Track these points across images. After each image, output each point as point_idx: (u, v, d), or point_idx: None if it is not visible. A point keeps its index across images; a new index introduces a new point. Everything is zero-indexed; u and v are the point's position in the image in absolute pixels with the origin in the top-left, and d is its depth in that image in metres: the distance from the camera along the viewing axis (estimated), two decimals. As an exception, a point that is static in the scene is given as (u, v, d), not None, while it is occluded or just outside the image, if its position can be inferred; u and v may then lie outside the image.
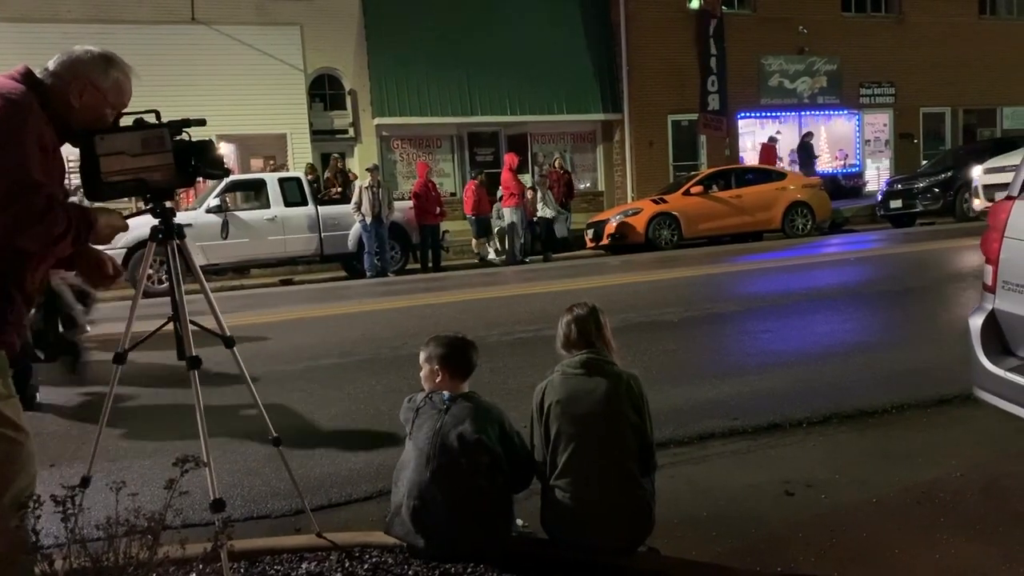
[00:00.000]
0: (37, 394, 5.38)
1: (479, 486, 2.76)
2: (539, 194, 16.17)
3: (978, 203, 13.24)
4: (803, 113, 22.72)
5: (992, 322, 3.23)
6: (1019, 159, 13.92)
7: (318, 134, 19.20)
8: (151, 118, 2.73)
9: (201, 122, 2.80)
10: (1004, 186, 13.59)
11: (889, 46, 22.38)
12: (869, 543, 2.88)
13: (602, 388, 2.76)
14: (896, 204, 17.26)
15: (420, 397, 2.93)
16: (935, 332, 6.05)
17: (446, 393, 2.88)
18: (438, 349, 2.95)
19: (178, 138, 2.75)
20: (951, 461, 3.58)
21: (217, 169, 2.90)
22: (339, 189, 15.73)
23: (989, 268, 3.28)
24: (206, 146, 2.84)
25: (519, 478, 2.89)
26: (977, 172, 13.49)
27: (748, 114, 22.28)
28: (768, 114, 22.56)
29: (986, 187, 12.90)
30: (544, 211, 16.11)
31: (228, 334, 2.97)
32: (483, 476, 2.77)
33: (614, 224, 16.43)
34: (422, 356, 3.01)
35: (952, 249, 10.81)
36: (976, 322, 3.28)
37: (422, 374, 3.01)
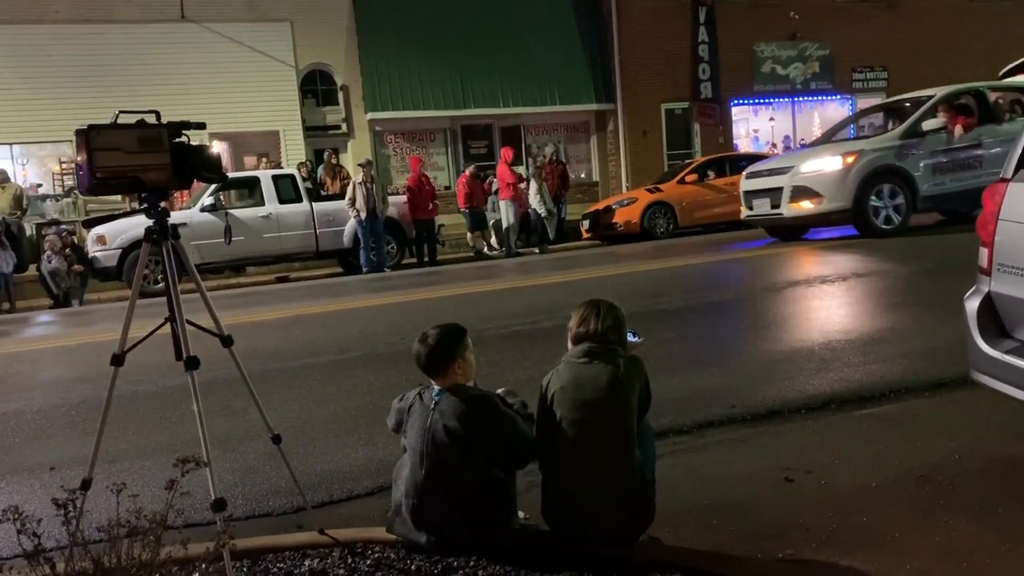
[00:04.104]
0: None
1: (475, 481, 2.75)
2: (533, 186, 16.13)
3: (743, 211, 12.58)
4: (796, 99, 22.72)
5: (988, 304, 3.24)
6: (780, 163, 13.41)
7: (311, 130, 19.16)
8: (151, 119, 2.74)
9: (201, 125, 2.81)
10: (763, 192, 12.91)
11: (881, 30, 22.36)
12: (869, 527, 2.89)
13: (605, 375, 2.76)
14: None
15: (412, 395, 2.91)
16: (931, 315, 6.06)
17: (436, 388, 2.86)
18: (413, 349, 2.90)
19: (177, 140, 2.75)
20: (949, 444, 3.59)
21: (214, 173, 2.89)
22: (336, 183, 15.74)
23: (984, 251, 3.28)
24: (204, 149, 2.84)
25: (518, 455, 2.86)
26: (743, 178, 12.91)
27: (741, 101, 22.27)
28: (761, 101, 22.56)
29: (746, 193, 12.39)
30: (539, 206, 16.07)
31: (225, 333, 2.97)
32: (478, 470, 2.76)
33: (609, 214, 16.45)
34: None
35: (952, 233, 10.80)
36: (972, 305, 3.29)
37: None
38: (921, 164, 11.03)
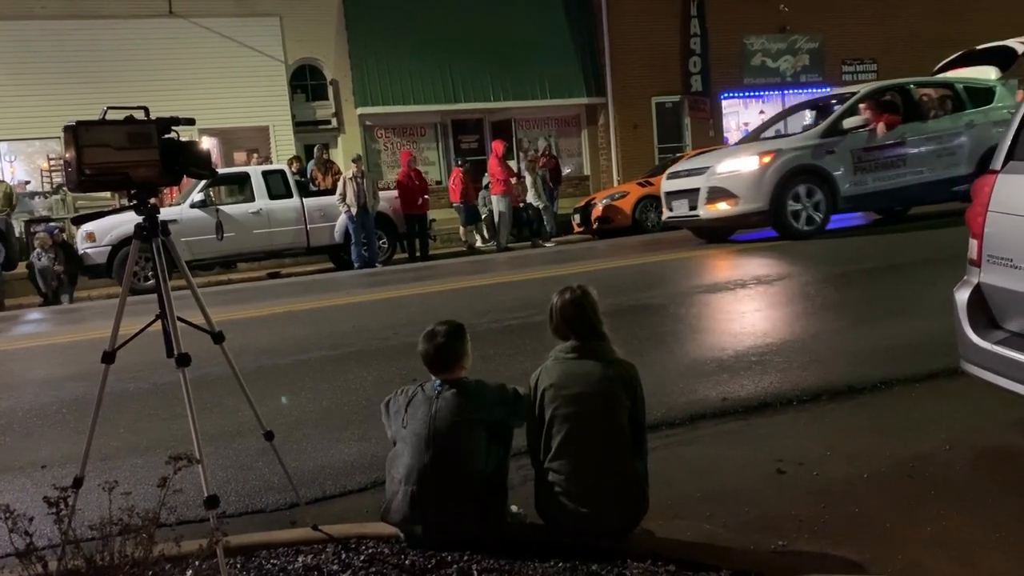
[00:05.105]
0: None
1: (475, 471, 2.78)
2: (529, 180, 16.09)
3: (664, 213, 12.23)
4: (786, 92, 22.75)
5: (978, 296, 3.26)
6: (698, 164, 13.05)
7: (301, 125, 19.09)
8: (140, 115, 2.72)
9: (190, 121, 2.79)
10: (682, 193, 11.17)
11: (871, 22, 22.40)
12: (861, 518, 2.90)
13: (596, 371, 2.78)
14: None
15: (412, 388, 2.94)
16: (921, 307, 6.08)
17: (437, 381, 2.91)
18: (421, 347, 2.95)
19: (166, 136, 2.73)
20: (940, 435, 3.61)
21: (203, 169, 2.89)
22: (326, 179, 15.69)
23: (974, 242, 3.30)
24: (193, 145, 2.83)
25: (516, 412, 2.93)
26: (663, 178, 12.47)
27: (731, 94, 22.29)
28: (751, 94, 22.58)
29: (667, 194, 11.99)
30: (534, 200, 16.04)
31: (217, 330, 2.96)
32: (479, 460, 2.80)
33: (601, 208, 16.46)
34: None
35: (941, 228, 10.81)
36: (962, 296, 3.31)
37: None
38: (842, 163, 10.72)
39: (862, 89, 11.63)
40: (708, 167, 11.27)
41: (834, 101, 11.97)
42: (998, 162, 3.28)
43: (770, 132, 13.34)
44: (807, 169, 10.65)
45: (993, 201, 3.20)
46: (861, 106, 11.14)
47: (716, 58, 21.28)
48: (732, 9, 21.38)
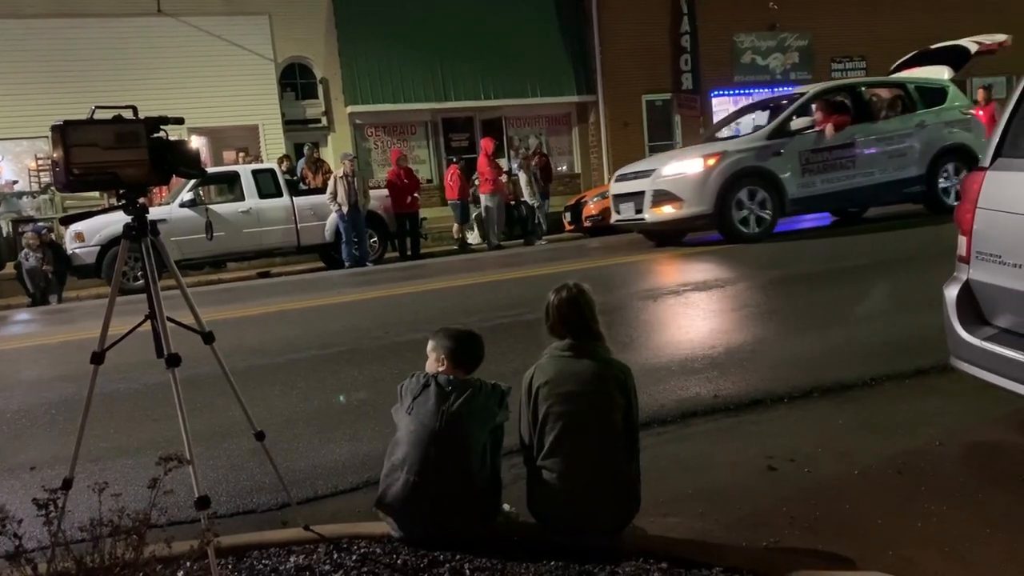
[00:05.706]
0: None
1: (476, 469, 2.79)
2: (524, 177, 16.07)
3: (613, 215, 12.17)
4: (776, 90, 22.78)
5: (967, 292, 3.28)
6: (645, 166, 12.81)
7: (291, 124, 19.02)
8: (128, 114, 2.70)
9: (179, 120, 2.78)
10: (629, 195, 11.07)
11: (860, 20, 22.44)
12: (852, 514, 2.91)
13: (590, 370, 2.78)
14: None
15: (423, 376, 2.94)
16: (910, 303, 6.11)
17: (448, 376, 2.91)
18: (446, 341, 2.98)
19: (155, 136, 2.72)
20: (930, 431, 3.63)
21: (193, 168, 2.87)
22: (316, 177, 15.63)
23: (963, 239, 3.31)
24: (182, 144, 2.82)
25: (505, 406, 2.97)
26: (612, 181, 12.29)
27: (721, 92, 22.31)
28: (741, 92, 22.59)
29: (615, 197, 11.87)
30: (531, 198, 16.01)
31: (207, 330, 2.95)
32: (479, 459, 2.80)
33: (592, 206, 16.46)
34: (429, 345, 3.03)
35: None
36: (951, 293, 3.32)
37: (427, 363, 3.02)
38: (789, 165, 10.58)
39: (811, 89, 11.53)
40: (654, 170, 11.15)
41: (785, 102, 11.83)
42: (987, 159, 3.30)
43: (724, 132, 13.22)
44: (753, 171, 10.51)
45: (982, 198, 3.22)
46: (812, 106, 11.05)
47: (706, 56, 21.30)
48: (722, 7, 21.40)
